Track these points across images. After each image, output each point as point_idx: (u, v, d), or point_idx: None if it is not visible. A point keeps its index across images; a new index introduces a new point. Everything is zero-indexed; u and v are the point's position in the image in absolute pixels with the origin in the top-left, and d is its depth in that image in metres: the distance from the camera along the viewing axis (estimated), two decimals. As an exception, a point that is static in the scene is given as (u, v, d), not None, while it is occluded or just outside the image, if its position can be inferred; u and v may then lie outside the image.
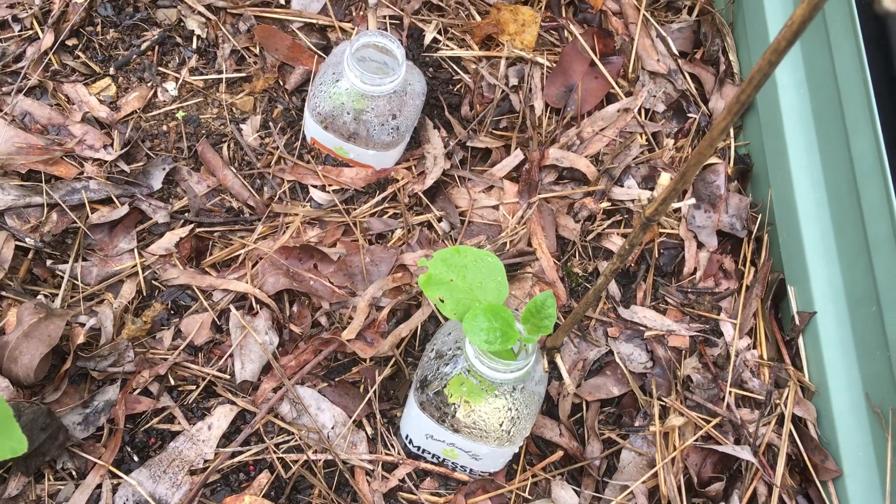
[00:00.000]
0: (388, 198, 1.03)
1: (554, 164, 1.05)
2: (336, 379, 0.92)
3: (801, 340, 0.95)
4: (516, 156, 1.06)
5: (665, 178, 0.61)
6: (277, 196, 1.01)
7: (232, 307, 0.93)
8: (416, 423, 0.86)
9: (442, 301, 0.80)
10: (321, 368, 0.93)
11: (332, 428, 0.89)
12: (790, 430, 0.92)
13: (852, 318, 0.90)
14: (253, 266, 0.96)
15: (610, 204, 1.05)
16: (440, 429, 0.83)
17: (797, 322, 0.95)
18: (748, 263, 1.02)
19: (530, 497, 0.88)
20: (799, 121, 1.00)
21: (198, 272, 0.95)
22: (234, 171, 1.01)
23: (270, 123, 1.05)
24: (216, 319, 0.93)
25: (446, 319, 0.96)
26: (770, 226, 1.03)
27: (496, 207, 1.04)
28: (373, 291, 0.96)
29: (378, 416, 0.90)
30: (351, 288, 0.96)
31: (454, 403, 0.81)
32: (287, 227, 0.99)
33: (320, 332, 0.93)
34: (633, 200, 1.05)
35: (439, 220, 1.03)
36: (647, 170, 1.07)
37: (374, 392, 0.91)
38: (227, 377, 0.90)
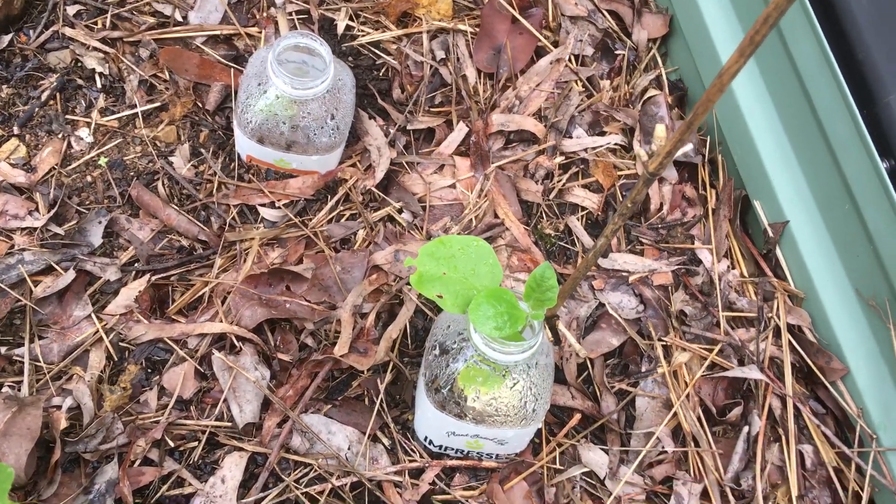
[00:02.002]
0: (342, 200, 0.99)
1: (500, 129, 1.03)
2: (339, 398, 0.89)
3: (778, 251, 0.96)
4: (460, 129, 1.03)
5: (661, 131, 0.60)
6: (227, 224, 0.96)
7: (213, 350, 0.88)
8: (435, 423, 0.83)
9: (440, 297, 0.77)
10: (321, 391, 0.89)
11: (349, 448, 0.86)
12: (789, 340, 0.93)
13: (826, 219, 0.91)
14: (223, 302, 0.91)
15: (564, 158, 1.03)
16: (462, 423, 0.81)
17: (770, 234, 0.96)
18: (708, 187, 1.03)
19: (562, 467, 0.87)
20: (729, 33, 1.00)
21: (165, 322, 0.90)
22: (176, 207, 0.95)
23: (201, 150, 0.99)
24: (198, 367, 0.88)
25: (437, 312, 0.93)
26: (720, 145, 1.03)
27: (453, 186, 1.01)
28: (353, 300, 0.92)
29: (391, 425, 0.87)
30: (329, 301, 0.93)
31: (472, 395, 0.79)
32: (246, 254, 0.94)
33: (311, 355, 0.89)
34: (585, 150, 1.04)
35: (400, 211, 0.99)
36: (592, 116, 1.06)
37: (381, 401, 0.88)
38: (228, 424, 0.86)
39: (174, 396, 0.86)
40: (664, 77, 1.10)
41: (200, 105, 1.02)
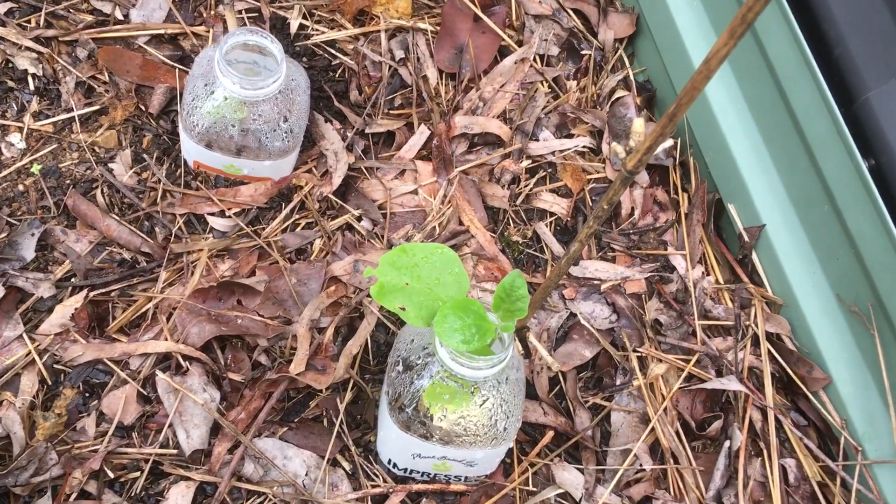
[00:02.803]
0: (297, 208, 0.93)
1: (463, 132, 0.98)
2: (295, 420, 0.83)
3: (754, 256, 0.93)
4: (421, 132, 0.98)
5: (639, 125, 0.55)
6: (173, 235, 0.89)
7: (157, 371, 0.81)
8: (399, 445, 0.78)
9: (403, 309, 0.71)
10: (276, 413, 0.83)
11: (307, 475, 0.79)
12: (768, 349, 0.89)
13: (804, 222, 0.88)
14: (168, 319, 0.84)
15: (530, 161, 0.99)
16: (428, 445, 0.76)
17: (746, 238, 0.92)
18: (680, 191, 0.99)
19: (535, 488, 0.82)
20: (699, 31, 0.97)
21: (105, 342, 0.83)
22: (117, 217, 0.88)
23: (144, 156, 0.93)
24: (141, 390, 0.81)
25: (400, 326, 0.88)
26: (692, 147, 1.00)
27: (415, 192, 0.96)
28: (309, 314, 0.86)
29: (352, 448, 0.81)
30: (284, 316, 0.86)
31: (439, 414, 0.74)
32: (194, 267, 0.88)
33: (264, 374, 0.83)
34: (553, 153, 0.99)
35: (359, 219, 0.93)
36: (558, 118, 1.01)
37: (341, 423, 0.82)
38: (174, 452, 0.79)
39: (114, 422, 0.79)
40: (631, 77, 1.06)
41: (143, 108, 0.95)
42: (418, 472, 0.81)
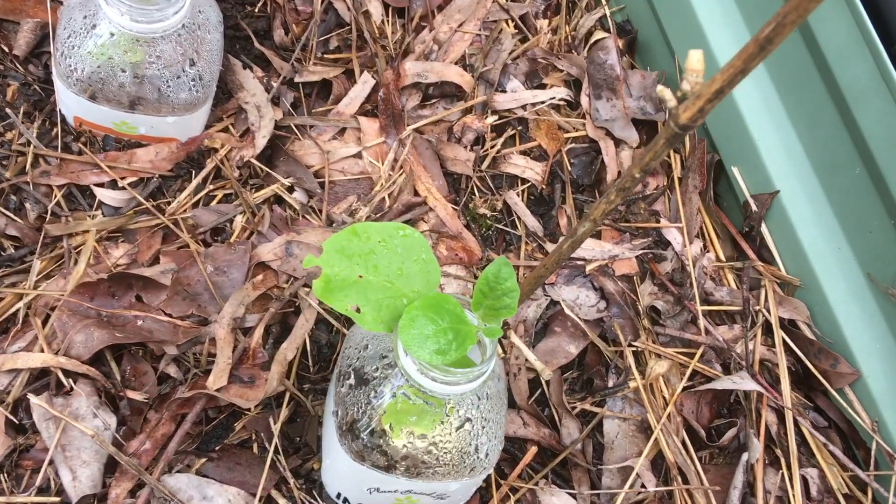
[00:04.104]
0: (211, 176, 0.75)
1: (416, 81, 0.80)
2: (217, 448, 0.65)
3: (763, 229, 0.78)
4: (364, 82, 0.80)
5: (696, 58, 0.39)
6: (49, 212, 0.70)
7: (29, 395, 0.62)
8: (351, 478, 0.61)
9: (358, 311, 0.55)
10: (191, 440, 0.65)
11: (233, 519, 0.62)
12: (783, 338, 0.76)
13: (828, 188, 0.74)
14: (45, 324, 0.65)
15: (497, 117, 0.82)
16: (389, 478, 0.59)
17: (754, 208, 0.78)
18: (671, 152, 0.84)
19: (519, 521, 0.67)
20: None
21: (-40, 355, 0.63)
22: (-28, 191, 0.68)
23: (7, 111, 0.72)
24: (11, 417, 0.62)
25: (347, 323, 0.70)
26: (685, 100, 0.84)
27: (358, 156, 0.78)
28: (231, 311, 0.68)
29: (291, 481, 0.64)
30: (199, 314, 0.68)
31: (403, 441, 0.57)
32: (78, 254, 0.68)
33: (174, 390, 0.65)
34: (523, 107, 0.82)
35: (290, 189, 0.75)
36: (528, 64, 0.85)
37: (276, 448, 0.65)
38: (55, 499, 0.60)
39: (-26, 463, 0.60)
40: (608, 17, 0.90)
41: (6, 50, 0.75)
42: (375, 508, 0.65)
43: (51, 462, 0.61)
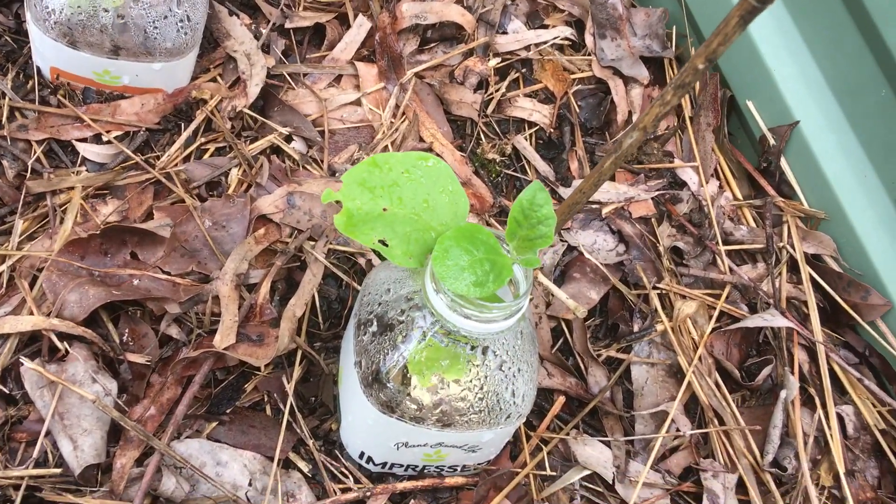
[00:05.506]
0: (202, 128, 0.70)
1: (414, 23, 0.76)
2: (228, 411, 0.60)
3: (783, 163, 0.76)
4: (359, 25, 0.76)
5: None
6: (29, 169, 0.64)
7: (22, 359, 0.57)
8: (377, 432, 0.57)
9: (385, 244, 0.50)
10: (200, 404, 0.60)
11: (251, 484, 0.58)
12: (810, 273, 0.73)
13: (850, 114, 0.71)
14: (32, 286, 0.60)
15: (500, 60, 0.78)
16: (420, 430, 0.55)
17: (772, 141, 0.75)
18: (679, 91, 0.81)
19: (553, 472, 0.63)
20: None
21: (-61, 323, 0.58)
22: (-56, 148, 0.62)
23: (-22, 61, 0.67)
24: (1, 386, 0.57)
25: (355, 275, 0.66)
26: (693, 37, 0.81)
27: (357, 103, 0.74)
28: (234, 266, 0.63)
29: (310, 442, 0.60)
30: (199, 271, 0.63)
31: (435, 388, 0.53)
32: (64, 212, 0.63)
33: (178, 351, 0.60)
34: (527, 48, 0.79)
35: (288, 139, 0.71)
36: (528, 4, 0.81)
37: (291, 409, 0.60)
38: (56, 471, 0.55)
39: (-38, 437, 0.55)
40: (605, -41, 0.86)
41: (-27, -1, 0.69)
42: (400, 466, 0.60)
43: (48, 433, 0.56)
